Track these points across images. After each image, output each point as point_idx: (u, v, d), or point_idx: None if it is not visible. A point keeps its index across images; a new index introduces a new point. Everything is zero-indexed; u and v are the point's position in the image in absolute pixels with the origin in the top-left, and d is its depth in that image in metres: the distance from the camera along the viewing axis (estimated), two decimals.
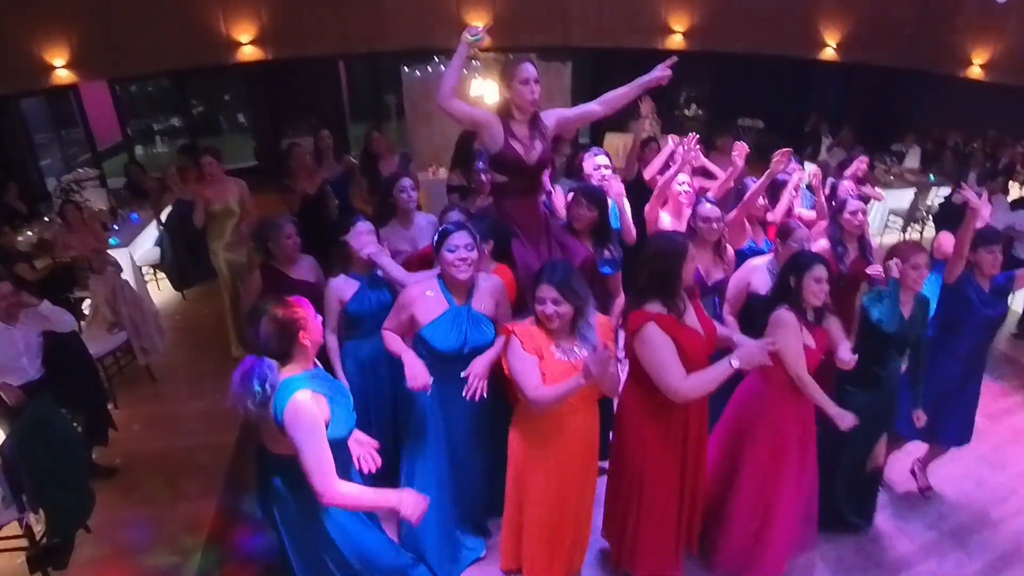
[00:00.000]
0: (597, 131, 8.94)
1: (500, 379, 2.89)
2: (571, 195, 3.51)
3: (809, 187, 4.54)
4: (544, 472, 2.72)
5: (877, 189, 5.70)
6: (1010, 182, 7.49)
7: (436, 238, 2.86)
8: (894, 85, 10.84)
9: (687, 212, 3.89)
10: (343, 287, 3.21)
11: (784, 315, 2.81)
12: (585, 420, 2.71)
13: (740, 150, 4.09)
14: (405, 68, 8.66)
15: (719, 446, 3.09)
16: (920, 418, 3.29)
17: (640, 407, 2.72)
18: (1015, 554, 3.44)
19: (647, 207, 3.93)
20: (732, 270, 3.64)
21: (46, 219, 6.45)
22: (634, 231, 3.84)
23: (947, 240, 3.66)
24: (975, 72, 9.33)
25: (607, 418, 2.92)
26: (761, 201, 4.02)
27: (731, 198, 4.17)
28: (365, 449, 2.51)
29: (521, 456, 2.78)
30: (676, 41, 10.06)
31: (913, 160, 8.96)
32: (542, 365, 2.51)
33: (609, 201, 3.55)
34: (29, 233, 6.07)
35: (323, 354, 2.94)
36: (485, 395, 2.81)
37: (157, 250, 6.73)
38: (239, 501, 3.68)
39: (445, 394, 2.90)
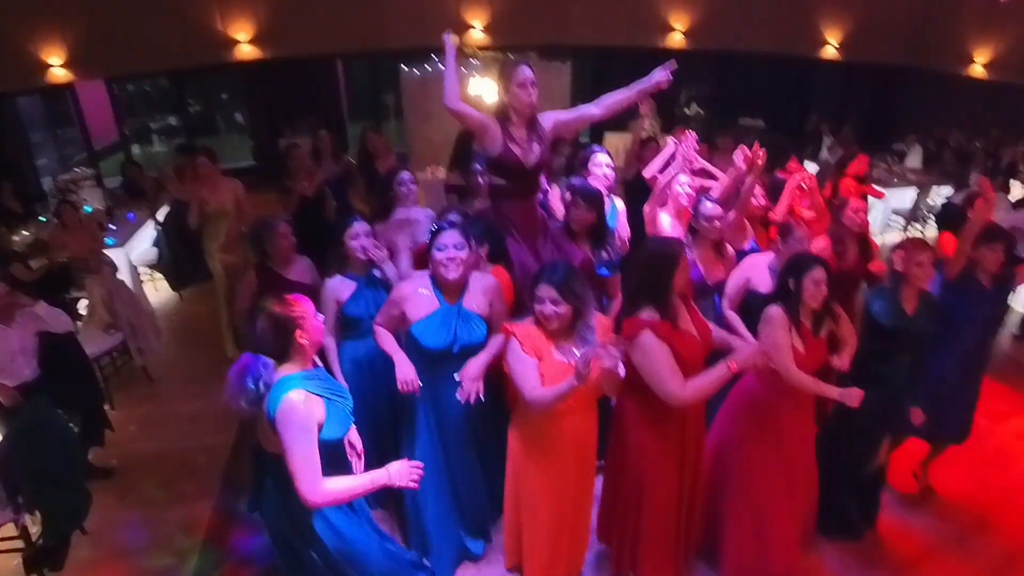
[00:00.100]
0: (597, 131, 8.92)
1: (495, 380, 2.89)
2: (568, 195, 3.50)
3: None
4: (543, 472, 2.71)
5: (877, 188, 5.69)
6: (1012, 181, 7.47)
7: (429, 236, 2.85)
8: (895, 84, 10.83)
9: (687, 214, 3.89)
10: (340, 288, 3.20)
11: (773, 311, 2.82)
12: (584, 420, 2.70)
13: (741, 153, 4.07)
14: (404, 67, 8.64)
15: (715, 448, 3.09)
16: (917, 415, 3.28)
17: (638, 412, 2.71)
18: (1018, 556, 3.43)
19: (646, 206, 3.93)
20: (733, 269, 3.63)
21: (42, 219, 6.41)
22: (628, 230, 3.81)
23: (950, 239, 3.65)
24: (977, 71, 9.32)
25: (605, 417, 2.91)
26: (762, 201, 4.01)
27: (733, 199, 4.16)
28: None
29: (520, 456, 2.77)
30: (676, 40, 10.03)
31: (915, 159, 8.95)
32: (542, 366, 2.50)
33: (607, 202, 3.55)
34: (25, 233, 6.04)
35: (321, 354, 2.91)
36: (481, 397, 2.80)
37: (154, 250, 6.70)
38: (236, 502, 3.67)
39: (437, 393, 2.90)
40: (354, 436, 2.49)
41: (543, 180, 3.74)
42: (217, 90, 14.16)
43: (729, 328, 3.39)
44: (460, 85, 3.09)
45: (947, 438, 3.65)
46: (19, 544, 3.35)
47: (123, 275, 5.44)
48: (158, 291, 6.80)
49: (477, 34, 9.39)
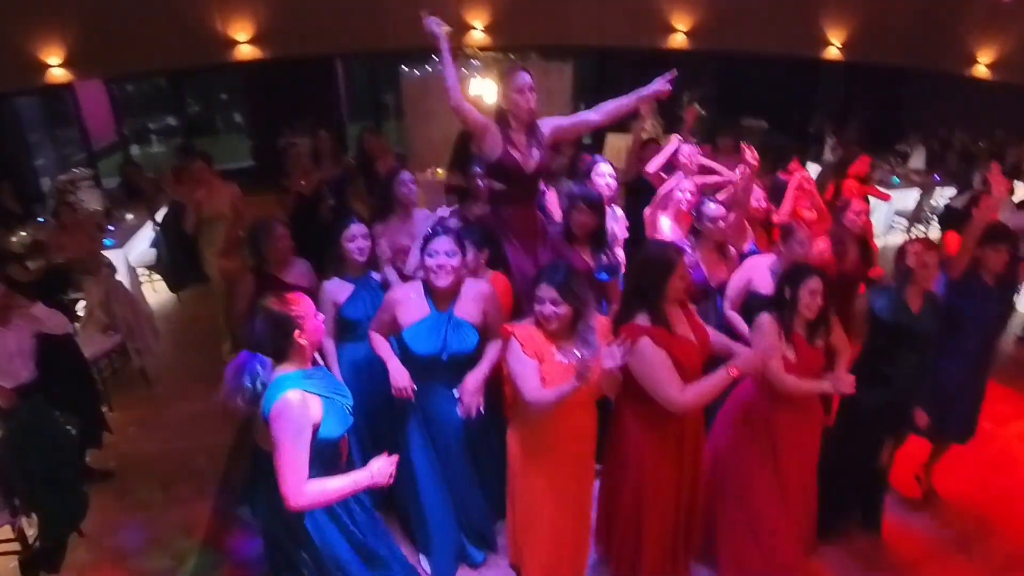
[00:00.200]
0: (598, 132, 8.89)
1: (490, 385, 2.88)
2: (569, 200, 3.49)
3: None
4: (542, 474, 2.70)
5: (882, 190, 5.66)
6: (1016, 182, 7.45)
7: (423, 240, 2.83)
8: (899, 84, 10.79)
9: (687, 217, 3.89)
10: (337, 290, 3.18)
11: (764, 319, 2.83)
12: (583, 421, 2.69)
13: (749, 152, 4.06)
14: (404, 67, 8.62)
15: (714, 453, 3.08)
16: (921, 417, 3.26)
17: (636, 417, 2.70)
18: (1020, 559, 3.42)
19: (646, 210, 3.92)
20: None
21: (40, 220, 6.39)
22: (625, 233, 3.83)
23: (955, 239, 3.63)
24: (981, 71, 9.26)
25: (603, 421, 2.89)
26: (763, 203, 4.00)
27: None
28: None
29: (519, 458, 2.76)
30: (679, 40, 9.98)
31: (918, 160, 8.92)
32: (543, 368, 2.49)
33: (608, 211, 3.55)
34: (23, 234, 6.01)
35: (320, 357, 2.90)
36: (482, 411, 2.80)
37: (152, 251, 6.68)
38: (234, 504, 3.65)
39: (428, 399, 2.88)
40: None
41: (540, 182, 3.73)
42: (216, 90, 14.16)
43: (731, 329, 3.38)
44: (460, 82, 3.07)
45: (951, 437, 3.63)
46: (16, 547, 3.33)
47: (121, 276, 5.42)
48: (156, 292, 6.78)
49: (477, 34, 9.36)
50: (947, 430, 3.55)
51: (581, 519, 2.88)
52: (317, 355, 2.35)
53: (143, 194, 6.99)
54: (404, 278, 3.43)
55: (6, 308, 3.61)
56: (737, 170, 3.92)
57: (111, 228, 6.32)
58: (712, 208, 3.48)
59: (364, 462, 3.27)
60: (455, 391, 2.82)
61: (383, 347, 2.90)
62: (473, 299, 2.86)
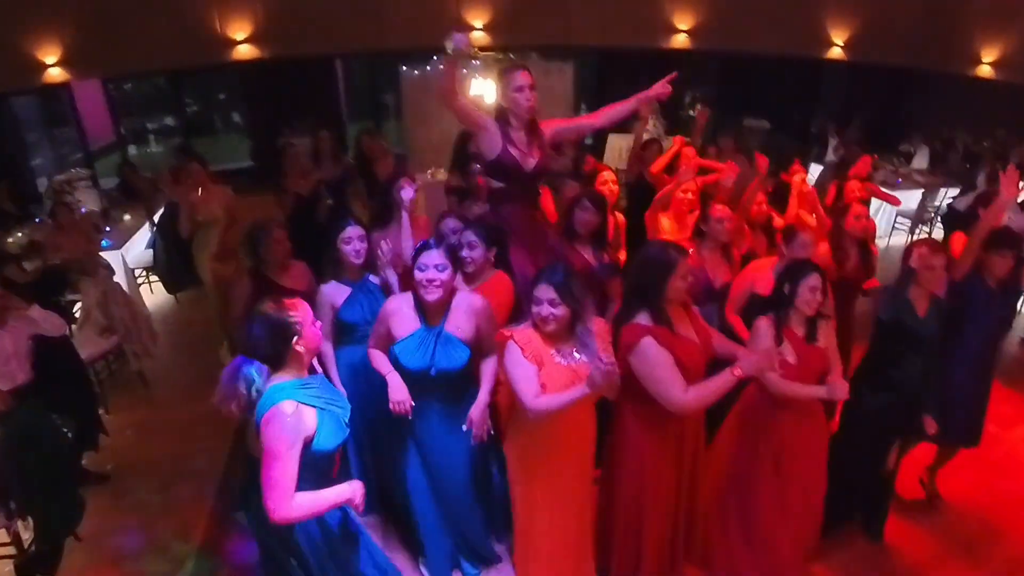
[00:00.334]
0: (599, 133, 8.87)
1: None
2: (574, 198, 3.48)
3: None
4: (542, 482, 2.67)
5: (886, 191, 5.60)
6: (1020, 183, 7.42)
7: (413, 252, 2.80)
8: (902, 84, 10.74)
9: (689, 218, 3.87)
10: (334, 293, 3.15)
11: (761, 324, 2.81)
12: (582, 427, 2.67)
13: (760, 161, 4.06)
14: (404, 67, 8.60)
15: (720, 458, 3.06)
16: (931, 424, 3.24)
17: (637, 419, 2.68)
18: None
19: (647, 214, 3.92)
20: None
21: (37, 220, 6.35)
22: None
23: (961, 240, 3.61)
24: (985, 71, 9.19)
25: (602, 422, 2.87)
26: (763, 207, 3.99)
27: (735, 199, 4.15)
28: None
29: (517, 466, 2.74)
30: (680, 40, 9.92)
31: (921, 160, 8.87)
32: (543, 372, 2.46)
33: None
34: (19, 234, 5.98)
35: (319, 360, 2.89)
36: (492, 432, 2.81)
37: (150, 252, 6.65)
38: (232, 508, 3.61)
39: (421, 413, 2.84)
40: None
41: None
42: (215, 90, 14.14)
43: (732, 332, 3.36)
44: (458, 83, 3.05)
45: (957, 442, 3.60)
46: (11, 550, 3.31)
47: (119, 278, 5.39)
48: (154, 294, 6.75)
49: (477, 34, 9.33)
50: (952, 435, 3.52)
51: (582, 527, 2.85)
52: (315, 361, 2.31)
53: (141, 195, 6.97)
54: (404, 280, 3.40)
55: (2, 309, 3.57)
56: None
57: (108, 229, 6.29)
58: (718, 208, 3.46)
59: (362, 465, 3.30)
60: (463, 427, 2.81)
61: (382, 362, 2.86)
62: (465, 313, 2.80)
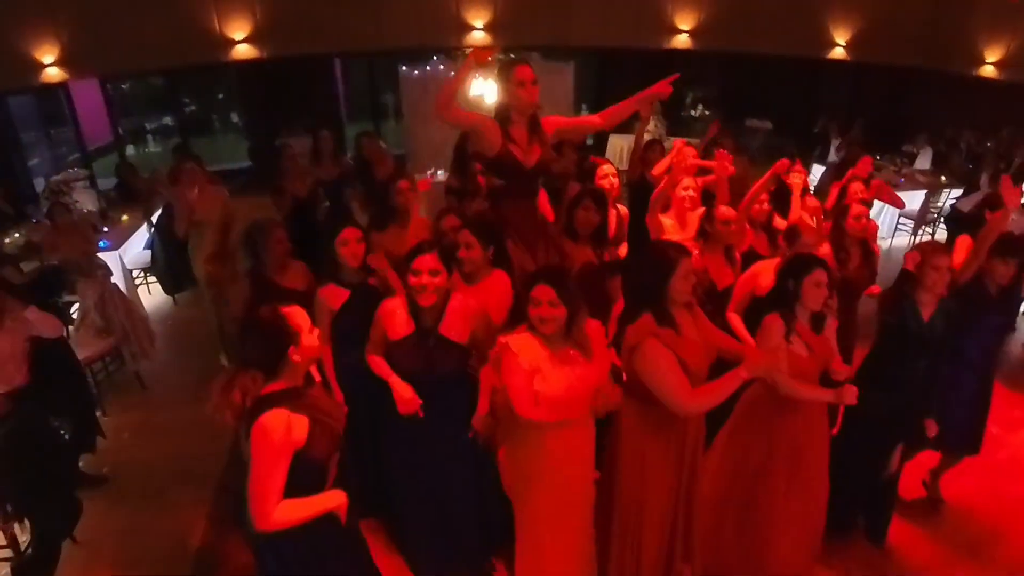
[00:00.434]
0: (600, 133, 8.87)
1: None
2: (575, 196, 3.46)
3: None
4: (538, 497, 2.63)
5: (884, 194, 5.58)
6: None
7: (407, 255, 2.77)
8: (905, 85, 10.73)
9: (691, 217, 3.84)
10: (332, 296, 3.12)
11: (771, 322, 2.77)
12: (580, 438, 2.62)
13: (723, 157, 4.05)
14: (403, 67, 8.58)
15: (720, 459, 3.04)
16: (932, 427, 3.22)
17: (637, 421, 2.65)
18: None
19: (648, 217, 3.90)
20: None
21: (34, 221, 6.33)
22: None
23: (966, 243, 3.59)
24: (988, 70, 9.19)
25: (600, 423, 2.81)
26: (765, 206, 3.97)
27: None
28: None
29: (513, 480, 2.71)
30: (682, 40, 9.91)
31: (924, 161, 8.86)
32: (540, 377, 2.42)
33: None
34: (16, 235, 5.99)
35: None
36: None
37: (148, 253, 6.63)
38: (230, 511, 3.60)
39: (412, 419, 2.81)
40: None
41: None
42: (213, 90, 14.13)
43: (731, 330, 3.33)
44: (457, 95, 3.05)
45: (960, 450, 3.60)
46: (8, 553, 3.29)
47: (116, 279, 5.36)
48: (152, 295, 6.72)
49: (478, 34, 9.31)
50: (953, 441, 3.52)
51: (586, 535, 2.80)
52: (314, 369, 2.28)
53: (139, 195, 6.94)
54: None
55: None
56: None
57: (106, 230, 6.26)
58: (724, 209, 3.44)
59: (362, 467, 3.27)
60: (468, 435, 2.80)
61: (382, 368, 2.84)
62: (460, 316, 2.78)
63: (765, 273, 3.40)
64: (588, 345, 2.48)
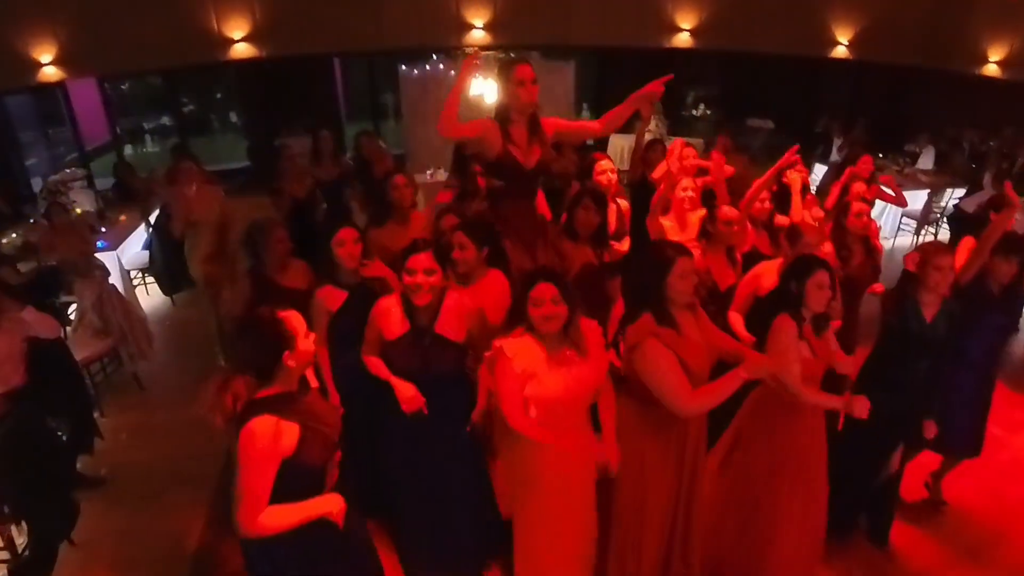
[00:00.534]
0: None
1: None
2: (575, 197, 3.45)
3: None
4: (535, 505, 2.61)
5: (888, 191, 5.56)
6: None
7: (402, 254, 2.76)
8: (907, 84, 10.69)
9: (691, 217, 3.82)
10: (330, 297, 3.11)
11: (784, 323, 2.73)
12: (577, 435, 2.59)
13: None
14: (403, 67, 8.56)
15: (723, 459, 3.02)
16: (931, 429, 3.21)
17: (638, 422, 2.63)
18: None
19: (648, 219, 3.89)
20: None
21: (31, 221, 6.31)
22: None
23: (970, 244, 3.58)
24: (991, 69, 9.13)
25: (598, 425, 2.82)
26: (766, 204, 3.96)
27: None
28: None
29: (509, 487, 2.69)
30: (683, 39, 9.85)
31: (927, 161, 8.82)
32: (535, 382, 2.40)
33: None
34: (14, 235, 5.97)
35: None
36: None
37: (146, 254, 6.60)
38: (228, 513, 3.56)
39: (414, 417, 2.79)
40: None
41: None
42: (211, 89, 14.11)
43: (730, 329, 3.32)
44: (457, 111, 3.04)
45: (960, 452, 3.59)
46: (5, 555, 3.29)
47: (114, 279, 5.34)
48: (150, 295, 6.70)
49: (478, 33, 9.28)
50: (953, 442, 3.51)
51: (583, 545, 2.75)
52: (311, 372, 2.26)
53: (137, 195, 6.91)
54: None
55: None
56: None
57: (104, 230, 6.24)
58: (727, 210, 3.43)
59: (361, 470, 3.25)
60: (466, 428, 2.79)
61: (380, 368, 2.82)
62: (456, 315, 2.77)
63: (767, 274, 3.39)
64: (584, 344, 2.46)
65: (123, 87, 12.71)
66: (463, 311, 2.77)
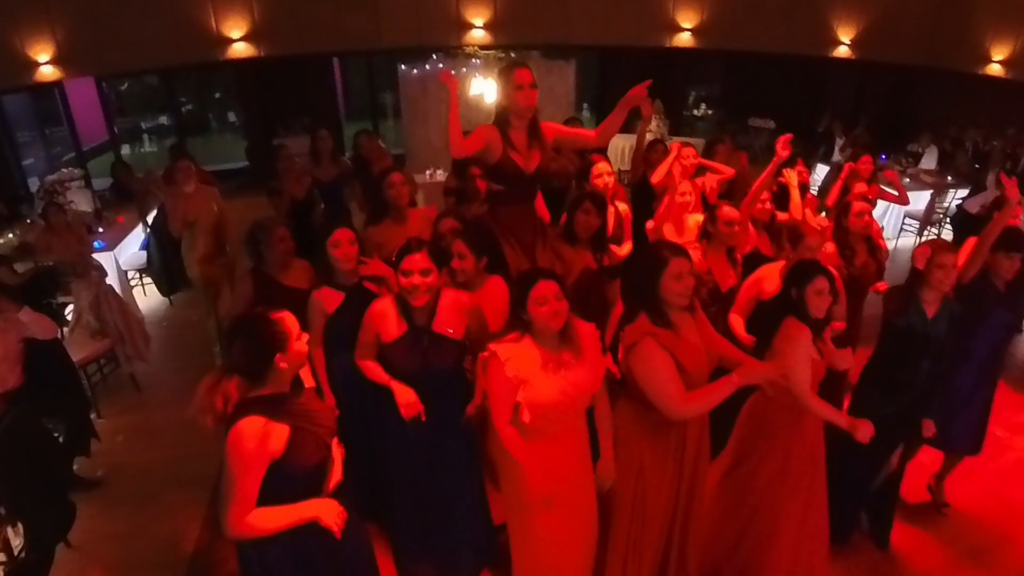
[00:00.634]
0: None
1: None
2: (574, 200, 3.44)
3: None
4: (530, 510, 2.57)
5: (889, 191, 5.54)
6: None
7: (396, 255, 2.73)
8: (910, 83, 10.70)
9: (688, 220, 3.80)
10: (327, 299, 3.08)
11: (801, 332, 2.70)
12: (572, 450, 2.58)
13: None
14: (402, 66, 8.55)
15: (725, 467, 3.01)
16: (929, 427, 3.19)
17: (637, 423, 2.61)
18: None
19: (649, 225, 3.86)
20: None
21: (28, 221, 6.29)
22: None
23: (972, 246, 3.57)
24: (994, 69, 9.13)
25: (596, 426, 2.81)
26: (767, 205, 3.94)
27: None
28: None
29: (503, 491, 2.66)
30: (684, 39, 9.84)
31: (930, 161, 8.81)
32: (528, 386, 2.38)
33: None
34: (10, 235, 5.96)
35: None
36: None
37: (143, 254, 6.59)
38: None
39: (412, 422, 2.76)
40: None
41: None
42: (210, 89, 14.09)
43: (730, 331, 3.30)
44: (460, 129, 3.04)
45: (961, 450, 3.57)
46: (1, 557, 3.26)
47: (111, 280, 5.32)
48: (147, 296, 6.68)
49: (478, 32, 9.27)
50: (954, 441, 3.50)
51: (581, 551, 2.73)
52: (306, 373, 2.24)
53: (134, 195, 6.89)
54: None
55: None
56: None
57: (101, 230, 6.22)
58: (727, 210, 3.41)
59: (360, 472, 3.23)
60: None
61: (377, 372, 2.80)
62: (453, 312, 2.75)
63: (769, 278, 3.37)
64: (579, 344, 2.45)
65: (121, 87, 12.68)
66: (460, 308, 2.76)
